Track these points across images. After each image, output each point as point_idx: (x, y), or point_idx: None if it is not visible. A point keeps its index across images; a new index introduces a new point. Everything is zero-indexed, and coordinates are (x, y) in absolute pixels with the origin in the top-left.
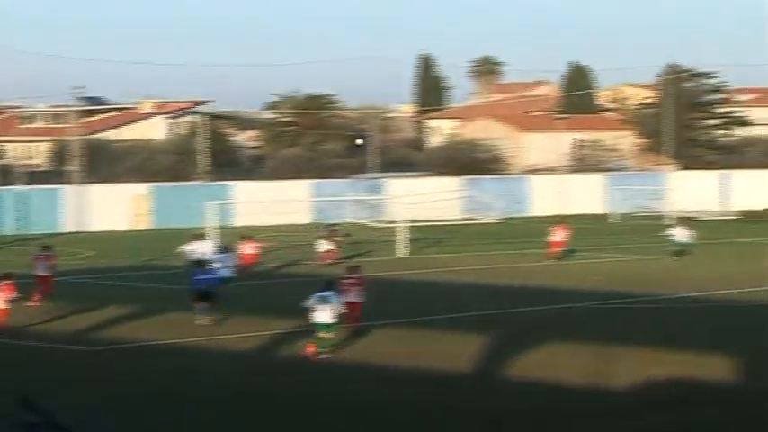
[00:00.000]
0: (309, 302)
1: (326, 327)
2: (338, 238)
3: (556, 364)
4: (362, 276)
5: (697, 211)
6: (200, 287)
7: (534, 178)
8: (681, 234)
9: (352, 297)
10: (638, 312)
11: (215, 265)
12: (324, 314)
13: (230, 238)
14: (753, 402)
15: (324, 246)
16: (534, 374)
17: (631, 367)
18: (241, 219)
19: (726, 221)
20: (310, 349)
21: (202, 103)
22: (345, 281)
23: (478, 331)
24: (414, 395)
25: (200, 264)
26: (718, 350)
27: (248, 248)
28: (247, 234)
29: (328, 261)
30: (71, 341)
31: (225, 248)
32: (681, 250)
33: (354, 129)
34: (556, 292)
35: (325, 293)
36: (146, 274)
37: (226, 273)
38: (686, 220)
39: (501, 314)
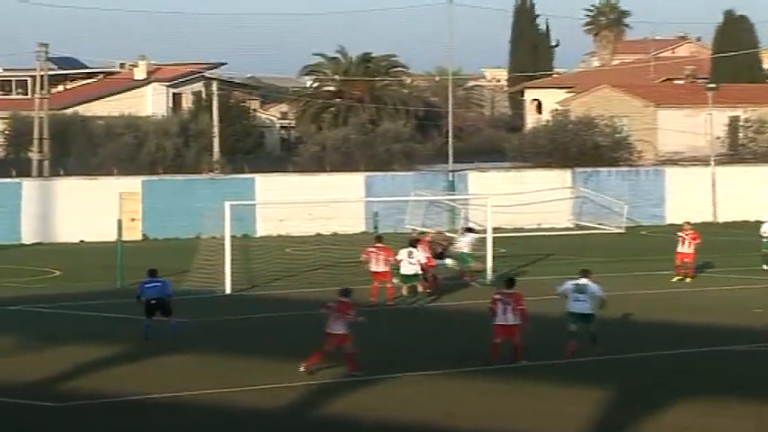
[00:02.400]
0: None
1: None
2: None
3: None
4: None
5: None
6: None
7: (673, 172)
8: None
9: (338, 327)
10: None
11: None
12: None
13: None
14: None
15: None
16: None
17: None
18: (267, 225)
19: None
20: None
21: (214, 66)
22: (339, 305)
23: (600, 382)
24: None
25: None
26: None
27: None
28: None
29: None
30: (32, 394)
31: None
32: None
33: (425, 102)
34: (701, 328)
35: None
36: (132, 304)
37: None
38: None
39: (631, 359)
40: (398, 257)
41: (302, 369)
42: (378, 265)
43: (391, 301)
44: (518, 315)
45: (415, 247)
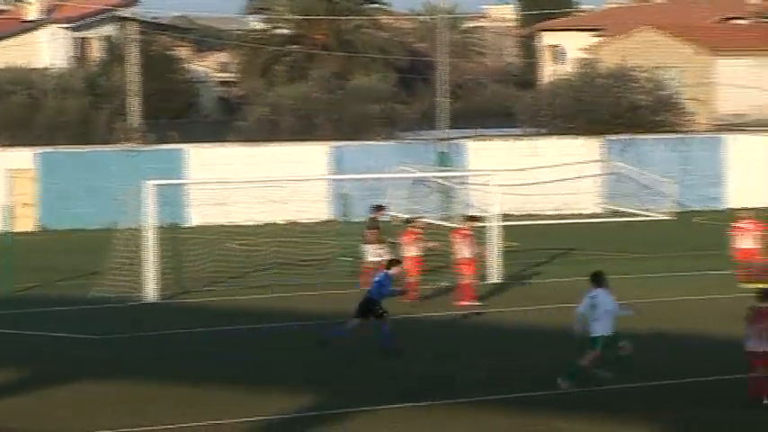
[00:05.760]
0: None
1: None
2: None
3: None
4: None
5: None
6: None
7: (735, 141)
8: None
9: None
10: None
11: None
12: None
13: None
14: None
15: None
16: None
17: None
18: (204, 212)
19: None
20: None
21: (131, 2)
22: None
23: (637, 417)
24: None
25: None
26: None
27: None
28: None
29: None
30: None
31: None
32: None
33: (410, 50)
34: None
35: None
36: (26, 316)
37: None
38: None
39: (674, 386)
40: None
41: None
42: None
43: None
44: None
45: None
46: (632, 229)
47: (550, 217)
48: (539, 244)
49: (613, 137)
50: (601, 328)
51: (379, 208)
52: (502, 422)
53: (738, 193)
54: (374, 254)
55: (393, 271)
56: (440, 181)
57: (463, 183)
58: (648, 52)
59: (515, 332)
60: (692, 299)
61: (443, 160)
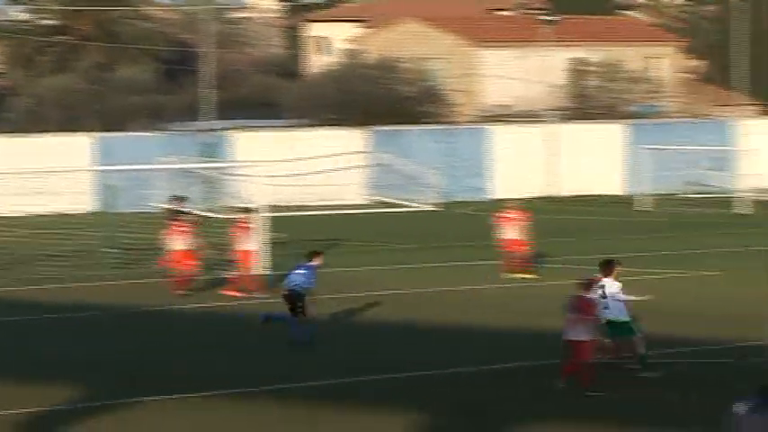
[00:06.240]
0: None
1: None
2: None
3: None
4: None
5: None
6: None
7: (499, 131)
8: None
9: None
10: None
11: None
12: None
13: None
14: None
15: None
16: None
17: None
18: None
19: None
20: None
21: None
22: None
23: (389, 407)
24: None
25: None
26: None
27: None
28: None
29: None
30: None
31: None
32: None
33: (175, 41)
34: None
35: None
36: None
37: None
38: None
39: (434, 377)
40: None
41: None
42: None
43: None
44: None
45: None
46: (398, 219)
47: (317, 208)
48: (306, 235)
49: (379, 128)
50: (616, 314)
51: (179, 198)
52: (273, 412)
53: (503, 183)
54: (179, 243)
55: (315, 262)
56: (205, 172)
57: (229, 174)
58: (414, 43)
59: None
60: (456, 289)
61: (208, 151)
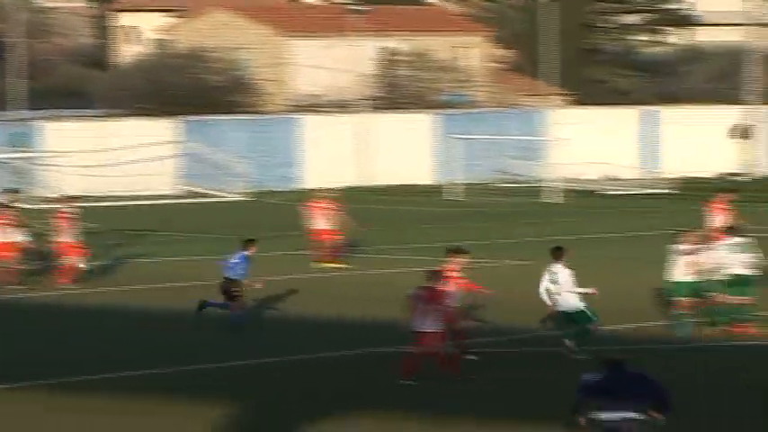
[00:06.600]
0: None
1: None
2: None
3: None
4: None
5: (604, 180)
6: None
7: (310, 121)
8: None
9: None
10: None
11: None
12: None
13: None
14: None
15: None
16: None
17: None
18: None
19: (654, 197)
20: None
21: None
22: None
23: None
24: None
25: None
26: None
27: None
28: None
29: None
30: None
31: None
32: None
33: None
34: (348, 325)
35: None
36: None
37: None
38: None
39: (247, 367)
40: None
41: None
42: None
43: None
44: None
45: None
46: (209, 209)
47: (128, 198)
48: (117, 225)
49: (189, 118)
50: (565, 304)
51: (12, 191)
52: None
53: (315, 173)
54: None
55: (250, 251)
56: (13, 162)
57: (39, 163)
58: (224, 33)
59: (105, 313)
60: (268, 279)
61: (18, 141)
